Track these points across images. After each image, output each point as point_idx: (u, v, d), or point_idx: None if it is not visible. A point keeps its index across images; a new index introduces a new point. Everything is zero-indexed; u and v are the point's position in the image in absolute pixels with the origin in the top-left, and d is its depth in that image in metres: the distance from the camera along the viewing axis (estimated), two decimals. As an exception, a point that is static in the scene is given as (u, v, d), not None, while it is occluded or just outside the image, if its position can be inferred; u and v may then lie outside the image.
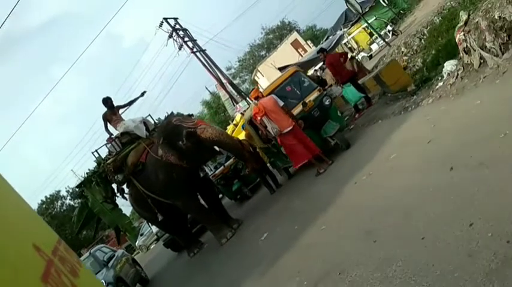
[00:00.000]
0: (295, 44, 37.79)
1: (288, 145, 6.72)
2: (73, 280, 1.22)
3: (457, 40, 5.30)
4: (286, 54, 35.97)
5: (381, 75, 8.59)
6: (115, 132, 8.45)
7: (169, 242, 11.11)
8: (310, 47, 37.32)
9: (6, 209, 1.33)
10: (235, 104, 26.83)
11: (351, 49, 24.70)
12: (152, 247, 20.93)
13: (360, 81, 9.19)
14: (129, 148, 7.96)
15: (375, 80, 9.00)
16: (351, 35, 24.07)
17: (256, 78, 40.82)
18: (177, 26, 25.39)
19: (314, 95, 7.30)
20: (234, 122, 17.88)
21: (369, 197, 4.29)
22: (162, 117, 9.31)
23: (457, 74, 5.33)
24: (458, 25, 5.29)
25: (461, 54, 5.30)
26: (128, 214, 13.70)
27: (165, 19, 25.12)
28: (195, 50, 25.46)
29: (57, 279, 1.08)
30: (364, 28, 21.97)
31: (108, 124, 8.36)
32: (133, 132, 8.07)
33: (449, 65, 5.99)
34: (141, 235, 21.33)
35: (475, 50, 4.92)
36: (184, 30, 25.81)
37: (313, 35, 49.10)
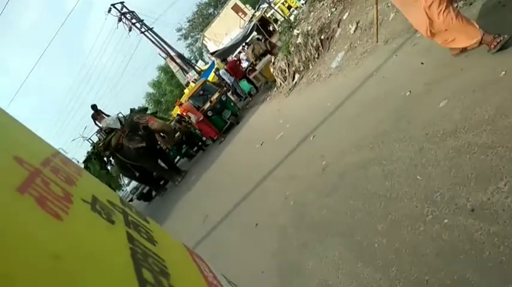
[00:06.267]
0: (236, 8, 41.48)
1: (201, 127, 12.17)
2: (67, 188, 0.97)
3: (271, 70, 10.60)
4: (228, 19, 40.02)
5: (262, 71, 13.95)
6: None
7: (140, 195, 16.29)
8: (249, 9, 41.19)
9: None
10: (185, 74, 31.38)
11: (276, 20, 29.34)
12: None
13: (251, 77, 14.51)
14: (111, 135, 13.03)
15: (261, 75, 14.32)
16: (276, 6, 28.68)
17: (204, 42, 44.64)
18: (124, 10, 28.79)
19: (216, 95, 12.59)
20: (189, 87, 23.20)
21: (230, 157, 9.78)
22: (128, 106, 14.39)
23: (276, 87, 10.74)
24: (271, 63, 10.57)
25: (275, 78, 10.66)
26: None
27: (113, 5, 28.39)
28: (143, 29, 29.28)
29: (42, 188, 0.86)
30: (282, 3, 26.70)
31: (96, 121, 13.37)
32: (112, 126, 13.12)
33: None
34: None
35: (277, 77, 10.30)
36: (132, 12, 29.23)
37: (255, -6, 52.30)
